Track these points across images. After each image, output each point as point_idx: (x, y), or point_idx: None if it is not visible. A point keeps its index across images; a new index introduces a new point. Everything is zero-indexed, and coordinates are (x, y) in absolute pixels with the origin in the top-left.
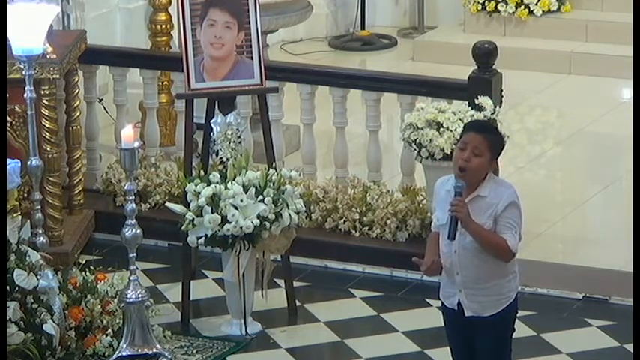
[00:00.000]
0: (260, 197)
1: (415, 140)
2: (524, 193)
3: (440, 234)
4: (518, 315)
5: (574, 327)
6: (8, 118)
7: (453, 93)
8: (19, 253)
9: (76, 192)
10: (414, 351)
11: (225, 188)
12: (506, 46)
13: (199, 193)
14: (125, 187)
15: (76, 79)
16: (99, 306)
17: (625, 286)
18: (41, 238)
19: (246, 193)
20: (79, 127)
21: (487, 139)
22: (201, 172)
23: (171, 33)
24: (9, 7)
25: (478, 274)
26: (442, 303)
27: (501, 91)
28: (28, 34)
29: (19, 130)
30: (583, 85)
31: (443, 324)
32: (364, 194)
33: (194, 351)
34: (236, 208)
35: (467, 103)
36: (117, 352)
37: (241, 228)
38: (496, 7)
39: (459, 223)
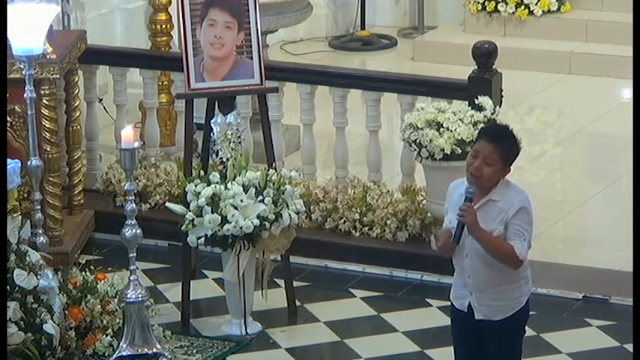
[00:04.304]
0: (260, 197)
1: (415, 140)
2: None
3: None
4: None
5: (574, 327)
6: (8, 118)
7: (453, 93)
8: (19, 253)
9: (76, 192)
10: (414, 351)
11: (225, 188)
12: (506, 46)
13: (199, 193)
14: (125, 187)
15: (76, 79)
16: (99, 306)
17: (625, 286)
18: (41, 238)
19: (246, 193)
20: (79, 127)
21: (499, 148)
22: (201, 172)
23: (171, 33)
24: (9, 7)
25: (489, 278)
26: (452, 304)
27: (501, 91)
28: (28, 34)
29: (19, 130)
30: (583, 85)
31: (442, 324)
32: (364, 194)
33: (194, 351)
34: (236, 208)
35: (467, 103)
36: (117, 352)
37: (241, 228)
38: (496, 7)
39: (465, 228)
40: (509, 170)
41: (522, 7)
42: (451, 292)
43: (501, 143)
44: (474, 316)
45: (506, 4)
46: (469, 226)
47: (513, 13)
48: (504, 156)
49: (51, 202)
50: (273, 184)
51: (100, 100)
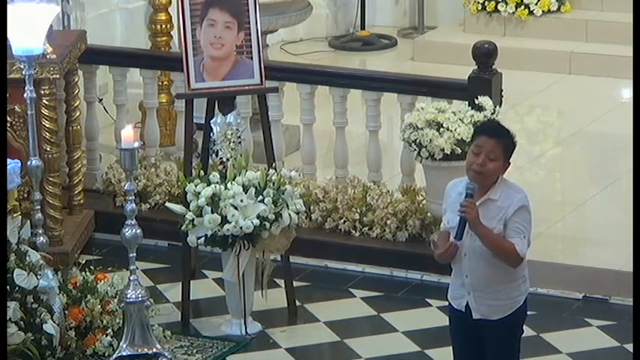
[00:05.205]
0: (260, 197)
1: (415, 140)
2: None
3: (450, 234)
4: None
5: (574, 327)
6: (8, 118)
7: (453, 93)
8: (19, 253)
9: (76, 192)
10: (414, 351)
11: (225, 188)
12: (506, 46)
13: (199, 193)
14: (125, 187)
15: (76, 79)
16: (99, 306)
17: (625, 286)
18: (41, 238)
19: (246, 193)
20: (79, 127)
21: (501, 142)
22: (201, 172)
23: (171, 33)
24: (9, 7)
25: (487, 277)
26: (450, 304)
27: (501, 91)
28: (28, 34)
29: (19, 130)
30: (583, 85)
31: (442, 324)
32: (364, 194)
33: (194, 351)
34: (236, 208)
35: (467, 103)
36: (117, 352)
37: (241, 228)
38: (496, 7)
39: (467, 224)
40: (509, 165)
41: (522, 7)
42: (449, 292)
43: (501, 137)
44: (472, 316)
45: (506, 4)
46: (471, 222)
47: (513, 13)
48: (506, 149)
49: (51, 202)
50: (273, 184)
51: (100, 100)
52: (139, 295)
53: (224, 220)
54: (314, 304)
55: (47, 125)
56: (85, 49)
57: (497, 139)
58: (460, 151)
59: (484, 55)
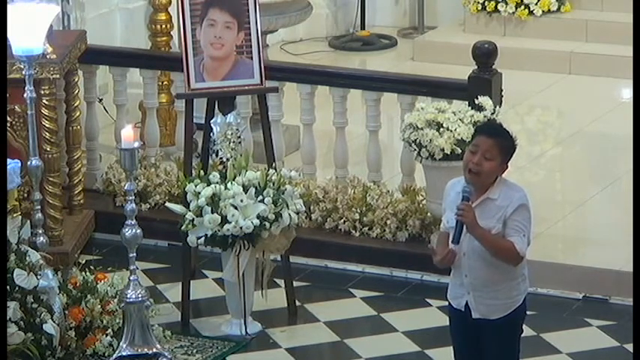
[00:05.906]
0: (260, 197)
1: (415, 140)
2: None
3: (449, 236)
4: None
5: (574, 327)
6: (8, 118)
7: (453, 93)
8: (19, 253)
9: (76, 192)
10: (414, 351)
11: (225, 188)
12: (506, 46)
13: (199, 193)
14: (125, 187)
15: (76, 79)
16: (99, 306)
17: (625, 286)
18: (41, 238)
19: (246, 193)
20: (79, 127)
21: (498, 143)
22: (201, 172)
23: (171, 33)
24: (9, 7)
25: (486, 276)
26: (449, 304)
27: (501, 91)
28: (28, 34)
29: (19, 130)
30: (583, 85)
31: (442, 324)
32: (364, 194)
33: (194, 351)
34: (236, 208)
35: (467, 103)
36: (117, 352)
37: (241, 228)
38: (496, 7)
39: (464, 227)
40: (507, 167)
41: (522, 7)
42: (448, 292)
43: (500, 137)
44: (472, 315)
45: (506, 4)
46: (468, 226)
47: (513, 13)
48: (503, 150)
49: (51, 202)
50: (273, 184)
51: (100, 100)
52: (139, 295)
53: (224, 220)
54: (314, 304)
55: (47, 125)
56: (85, 49)
57: (494, 139)
58: (460, 151)
59: (484, 55)
